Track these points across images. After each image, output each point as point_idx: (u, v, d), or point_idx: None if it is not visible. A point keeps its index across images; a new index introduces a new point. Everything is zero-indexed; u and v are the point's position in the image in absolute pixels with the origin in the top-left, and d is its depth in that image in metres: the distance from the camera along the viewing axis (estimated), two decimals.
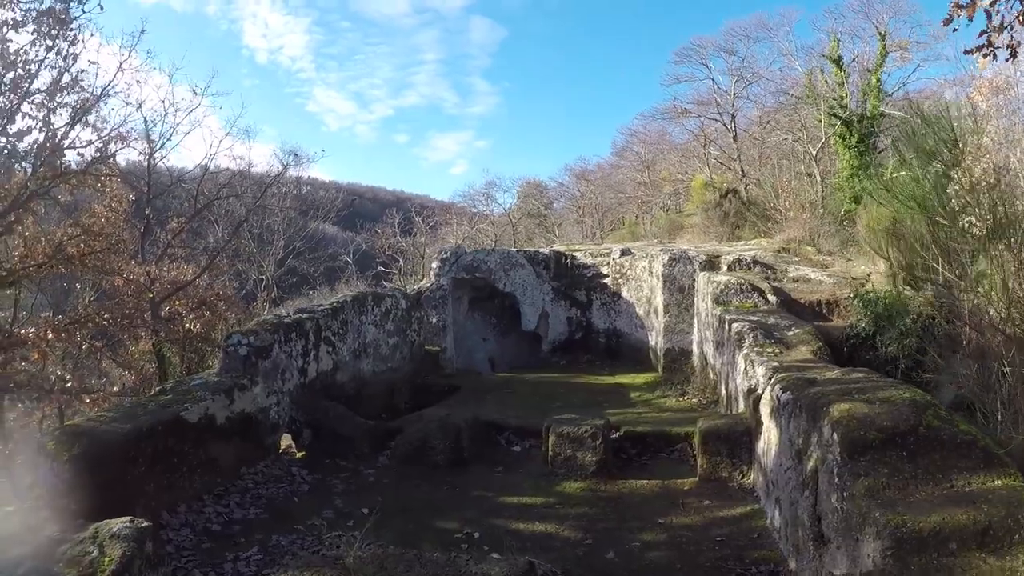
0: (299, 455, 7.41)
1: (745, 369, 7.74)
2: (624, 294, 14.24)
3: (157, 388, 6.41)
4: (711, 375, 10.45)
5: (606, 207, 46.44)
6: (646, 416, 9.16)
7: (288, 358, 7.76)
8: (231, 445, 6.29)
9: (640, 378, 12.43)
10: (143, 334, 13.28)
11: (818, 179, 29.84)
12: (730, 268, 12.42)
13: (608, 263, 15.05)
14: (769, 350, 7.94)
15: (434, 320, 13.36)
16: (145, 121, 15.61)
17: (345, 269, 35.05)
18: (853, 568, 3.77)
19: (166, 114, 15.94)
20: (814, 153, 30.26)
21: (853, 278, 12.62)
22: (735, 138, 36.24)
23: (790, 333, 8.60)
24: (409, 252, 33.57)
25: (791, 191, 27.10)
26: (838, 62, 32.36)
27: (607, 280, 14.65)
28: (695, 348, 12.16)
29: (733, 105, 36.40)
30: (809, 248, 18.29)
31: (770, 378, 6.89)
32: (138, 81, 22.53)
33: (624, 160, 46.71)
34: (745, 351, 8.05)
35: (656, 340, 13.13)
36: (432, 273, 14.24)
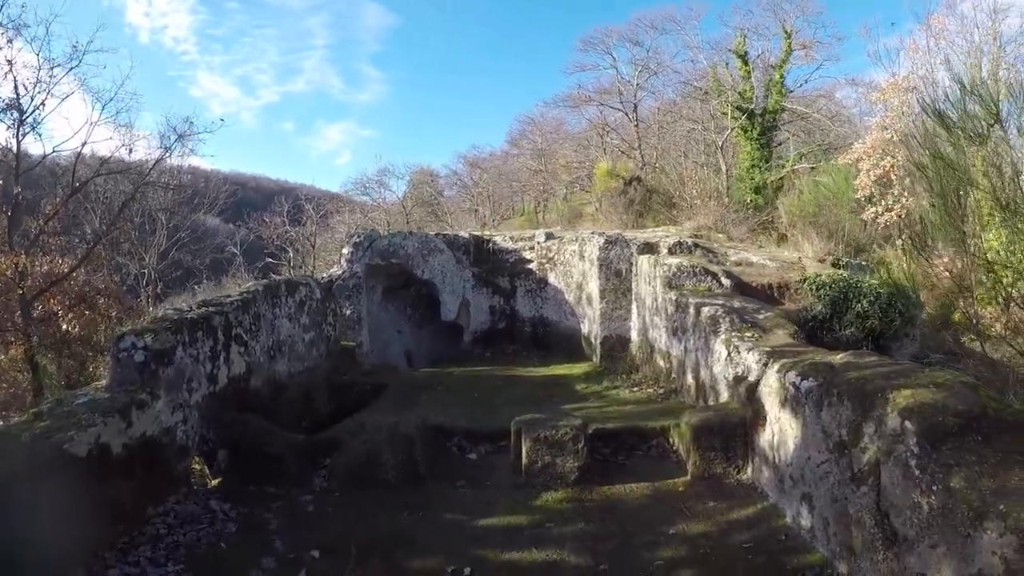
0: (215, 483, 6.01)
1: (729, 356, 7.09)
2: (551, 280, 13.44)
3: (31, 412, 4.82)
4: (662, 363, 9.82)
5: (500, 196, 45.75)
6: (608, 411, 8.36)
7: (195, 362, 6.33)
8: (133, 480, 4.84)
9: (577, 368, 11.68)
10: (12, 339, 11.12)
11: (723, 169, 30.38)
12: (671, 251, 11.89)
13: (532, 247, 14.22)
14: (749, 334, 7.37)
15: (348, 312, 12.05)
16: (16, 85, 13.28)
17: (232, 261, 32.48)
18: (965, 568, 3.29)
19: (35, 87, 13.60)
20: (720, 143, 30.77)
21: (788, 262, 12.43)
22: (637, 127, 36.50)
23: (761, 316, 8.09)
24: (299, 242, 31.47)
25: (698, 179, 27.37)
26: (744, 57, 33.18)
27: (532, 266, 13.82)
28: (634, 335, 11.55)
29: (636, 95, 36.66)
30: (720, 235, 18.17)
31: (765, 364, 6.28)
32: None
33: (519, 149, 46.23)
34: (723, 336, 7.43)
35: (590, 328, 12.42)
36: (343, 259, 12.87)
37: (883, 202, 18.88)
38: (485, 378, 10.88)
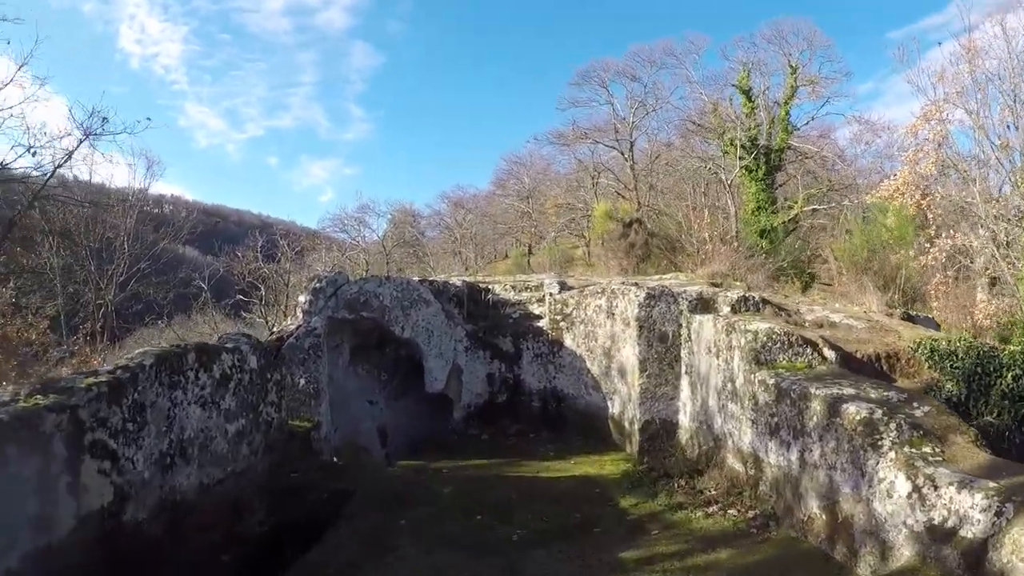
0: None
1: (916, 491, 4.37)
2: (568, 343, 10.69)
3: None
4: (743, 469, 7.08)
5: (485, 238, 43.24)
6: (694, 562, 5.52)
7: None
8: None
9: (609, 464, 8.92)
10: None
11: (732, 211, 28.20)
12: (734, 309, 9.23)
13: (542, 299, 11.51)
14: (928, 449, 4.69)
15: (302, 382, 9.24)
16: None
17: (199, 296, 29.49)
18: None
19: None
20: (728, 183, 28.63)
21: (871, 321, 9.85)
22: (633, 167, 34.38)
23: (919, 413, 5.42)
24: (272, 280, 28.56)
25: (707, 223, 25.08)
26: (747, 93, 31.42)
27: (542, 323, 11.08)
28: (686, 421, 8.85)
29: (632, 134, 34.62)
30: (737, 283, 15.62)
31: (1002, 513, 3.58)
32: None
33: (504, 190, 43.93)
34: (893, 454, 4.77)
35: (623, 408, 9.66)
36: (300, 310, 10.07)
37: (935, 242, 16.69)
38: (488, 482, 8.02)
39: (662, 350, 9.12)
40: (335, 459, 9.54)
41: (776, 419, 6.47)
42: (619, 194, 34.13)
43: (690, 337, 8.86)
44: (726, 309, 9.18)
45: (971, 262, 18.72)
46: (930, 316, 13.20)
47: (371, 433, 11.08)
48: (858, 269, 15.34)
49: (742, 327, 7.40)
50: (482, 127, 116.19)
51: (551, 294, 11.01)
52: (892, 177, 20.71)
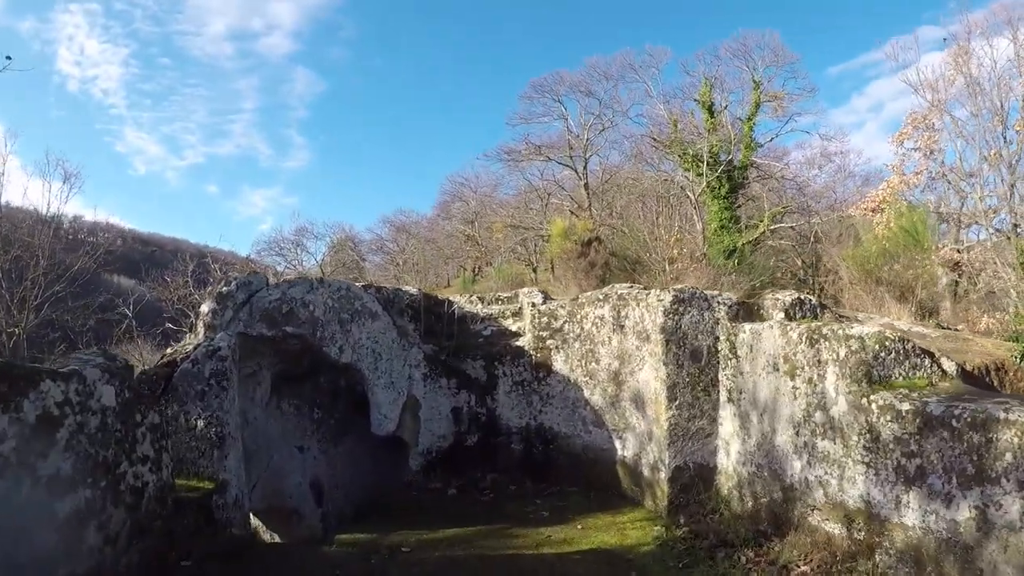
0: None
1: None
2: (558, 365, 8.41)
3: None
4: (850, 534, 4.93)
5: (428, 264, 40.80)
6: None
7: None
8: None
9: (627, 524, 6.73)
10: None
11: (699, 228, 26.66)
12: (788, 315, 7.12)
13: (519, 314, 9.27)
14: None
15: (200, 424, 6.77)
16: None
17: (122, 323, 26.18)
18: None
19: None
20: (694, 199, 27.13)
21: (939, 329, 7.95)
22: (587, 186, 32.63)
23: None
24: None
25: (676, 239, 23.38)
26: (710, 108, 30.14)
27: (523, 342, 8.79)
28: (730, 463, 6.73)
29: (586, 151, 32.92)
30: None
31: None
32: None
33: (449, 213, 41.72)
34: None
35: (642, 450, 7.43)
36: (201, 325, 7.63)
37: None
38: (469, 569, 5.62)
39: (695, 371, 6.98)
40: (249, 531, 7.06)
41: (919, 460, 4.35)
42: (573, 213, 32.29)
43: (734, 353, 6.74)
44: (778, 315, 7.08)
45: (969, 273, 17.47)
46: (958, 328, 11.51)
47: (301, 490, 8.60)
48: (871, 280, 13.62)
49: (840, 333, 5.28)
50: (428, 153, 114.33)
51: (534, 304, 8.75)
52: (878, 188, 19.57)
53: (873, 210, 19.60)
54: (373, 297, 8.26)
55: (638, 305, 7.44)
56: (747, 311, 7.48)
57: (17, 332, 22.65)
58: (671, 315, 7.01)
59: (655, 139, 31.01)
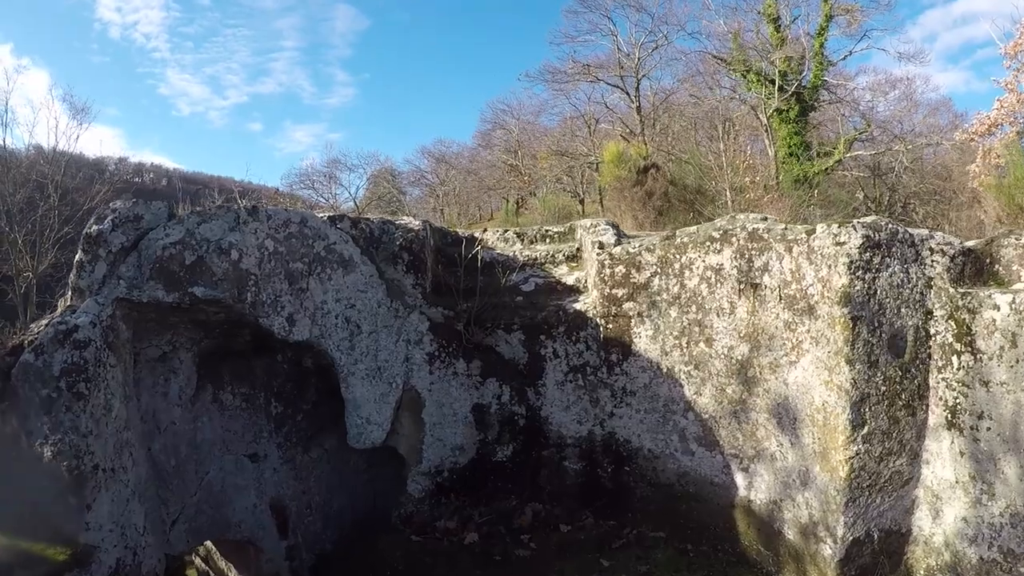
0: None
1: None
2: (642, 344, 5.06)
3: None
4: None
5: (469, 196, 37.40)
6: None
7: None
8: None
9: None
10: None
11: (771, 153, 22.72)
12: None
13: (575, 259, 5.99)
14: None
15: (47, 453, 3.74)
16: None
17: None
18: None
19: None
20: (765, 122, 23.09)
21: None
22: (639, 109, 28.58)
23: None
24: None
25: (748, 165, 19.59)
26: (776, 22, 25.64)
27: (584, 304, 5.42)
28: (940, 532, 3.50)
29: (638, 71, 28.69)
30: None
31: None
32: None
33: (489, 141, 37.97)
34: None
35: (788, 497, 4.17)
36: (69, 289, 4.50)
37: None
38: None
39: (896, 373, 3.68)
40: None
41: None
42: (624, 138, 28.35)
43: (966, 343, 3.42)
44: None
45: None
46: None
47: (257, 515, 5.65)
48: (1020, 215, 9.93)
49: None
50: (471, 81, 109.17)
51: (601, 245, 5.36)
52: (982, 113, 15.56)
53: (981, 135, 15.54)
54: (346, 235, 5.00)
55: (789, 251, 4.07)
56: (975, 267, 4.06)
57: (30, 276, 20.96)
58: (860, 270, 3.65)
59: (716, 56, 26.65)
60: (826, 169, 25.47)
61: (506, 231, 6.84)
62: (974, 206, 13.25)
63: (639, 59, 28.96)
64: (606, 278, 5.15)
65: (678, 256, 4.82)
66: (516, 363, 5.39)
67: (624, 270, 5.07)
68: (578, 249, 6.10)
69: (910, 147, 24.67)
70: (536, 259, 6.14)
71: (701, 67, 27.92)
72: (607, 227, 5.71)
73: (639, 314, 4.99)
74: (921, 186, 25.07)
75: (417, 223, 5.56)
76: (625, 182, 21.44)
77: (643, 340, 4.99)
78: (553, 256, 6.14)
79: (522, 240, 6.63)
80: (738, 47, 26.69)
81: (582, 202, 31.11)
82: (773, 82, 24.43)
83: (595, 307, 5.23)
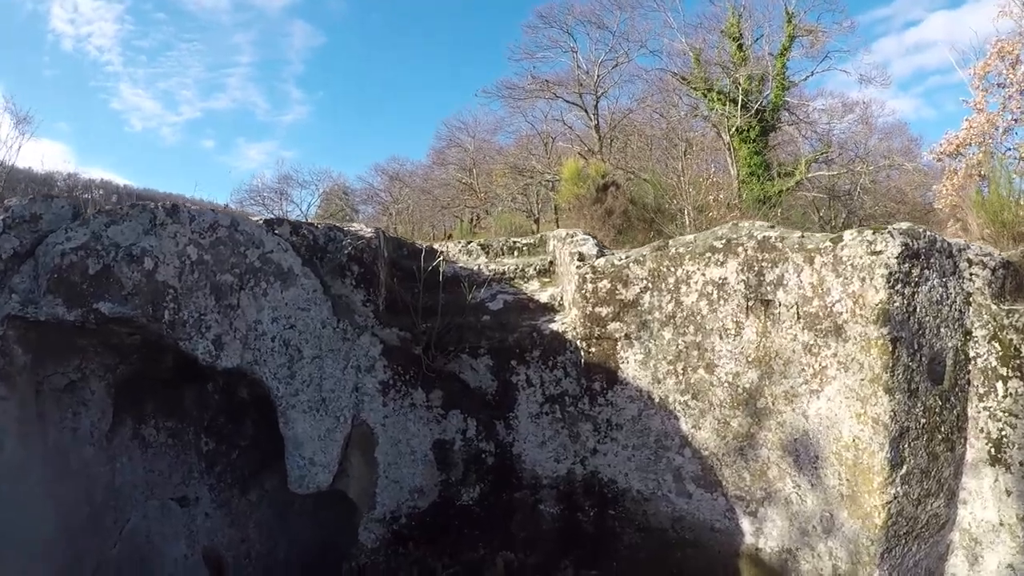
0: None
1: None
2: (630, 371, 4.42)
3: None
4: None
5: (422, 215, 36.62)
6: None
7: None
8: None
9: None
10: None
11: (734, 172, 22.63)
12: None
13: (548, 273, 5.36)
14: None
15: None
16: None
17: None
18: None
19: None
20: (727, 140, 23.03)
21: None
22: (597, 127, 28.35)
23: None
24: None
25: (710, 183, 19.37)
26: (738, 41, 25.78)
27: (561, 324, 4.78)
28: None
29: (597, 88, 28.49)
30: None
31: None
32: None
33: (444, 159, 37.35)
34: None
35: (806, 545, 3.55)
36: None
37: None
38: None
39: (935, 403, 3.13)
40: None
41: None
42: (583, 156, 28.06)
43: (1014, 366, 2.86)
44: None
45: None
46: None
47: (188, 567, 4.87)
48: (1007, 235, 9.63)
49: None
50: (428, 97, 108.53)
51: (582, 258, 4.72)
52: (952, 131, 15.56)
53: (950, 154, 15.51)
54: (286, 242, 4.26)
55: (810, 262, 3.49)
56: (1015, 281, 3.55)
57: None
58: (900, 284, 3.10)
59: (676, 75, 26.61)
60: (787, 189, 25.57)
61: (469, 243, 6.18)
62: (951, 224, 13.07)
63: (599, 76, 28.80)
64: (588, 295, 4.50)
65: (673, 269, 4.21)
66: (483, 392, 4.68)
67: (609, 285, 4.44)
68: (551, 262, 5.46)
69: (871, 168, 24.94)
70: (504, 274, 5.48)
71: (661, 85, 27.91)
72: (586, 237, 5.08)
73: (627, 336, 4.36)
74: (875, 208, 25.30)
75: (369, 230, 4.84)
76: (584, 200, 20.96)
77: (631, 366, 4.35)
78: (523, 270, 5.49)
79: (487, 252, 5.98)
80: (699, 66, 26.75)
81: (536, 221, 30.64)
82: (735, 101, 24.47)
83: (575, 328, 4.58)
